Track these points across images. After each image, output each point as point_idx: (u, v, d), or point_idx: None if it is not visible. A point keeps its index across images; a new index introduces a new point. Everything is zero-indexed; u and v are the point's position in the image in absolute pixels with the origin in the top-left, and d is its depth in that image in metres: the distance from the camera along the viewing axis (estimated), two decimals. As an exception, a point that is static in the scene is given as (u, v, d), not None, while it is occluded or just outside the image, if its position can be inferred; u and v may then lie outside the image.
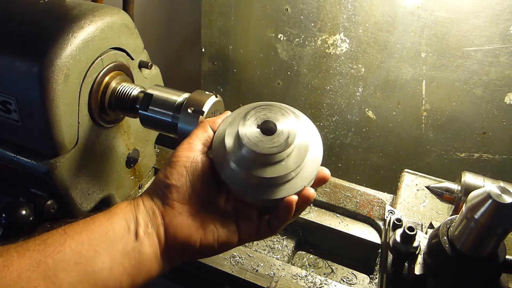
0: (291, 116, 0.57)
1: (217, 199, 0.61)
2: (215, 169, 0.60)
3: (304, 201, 0.58)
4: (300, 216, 0.97)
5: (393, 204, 0.95)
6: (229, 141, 0.58)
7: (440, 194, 0.93)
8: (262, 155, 0.54)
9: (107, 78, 0.80)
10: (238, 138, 0.57)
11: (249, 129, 0.56)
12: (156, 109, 0.78)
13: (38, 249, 0.51)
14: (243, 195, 0.58)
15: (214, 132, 0.63)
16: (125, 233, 0.56)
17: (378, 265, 0.91)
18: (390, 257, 0.67)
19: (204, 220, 0.58)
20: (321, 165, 0.59)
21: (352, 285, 0.94)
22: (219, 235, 0.58)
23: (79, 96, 0.75)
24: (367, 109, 1.29)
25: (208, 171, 0.60)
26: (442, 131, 1.23)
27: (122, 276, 0.54)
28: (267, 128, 0.57)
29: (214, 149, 0.61)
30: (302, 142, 0.57)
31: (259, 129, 0.56)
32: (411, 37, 1.13)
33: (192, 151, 0.60)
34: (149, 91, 0.79)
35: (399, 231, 0.64)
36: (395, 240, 0.64)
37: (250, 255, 0.87)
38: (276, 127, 0.56)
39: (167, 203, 0.58)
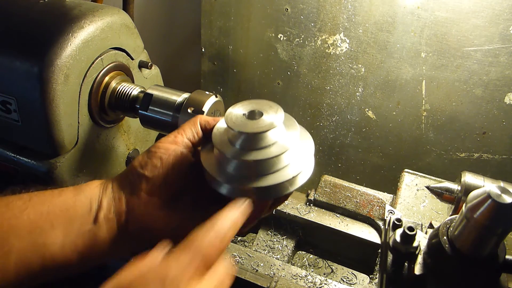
0: (278, 106, 0.56)
1: (189, 193, 0.60)
2: (194, 164, 0.59)
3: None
4: (300, 216, 0.98)
5: (393, 204, 0.95)
6: (216, 135, 0.58)
7: (440, 194, 0.93)
8: (247, 135, 0.53)
9: (107, 78, 0.80)
10: (225, 129, 0.57)
11: (235, 117, 0.56)
12: (156, 109, 0.78)
13: None
14: (224, 187, 0.56)
15: (204, 130, 0.62)
16: (86, 213, 0.55)
17: (378, 265, 0.91)
18: (390, 257, 0.67)
19: (171, 213, 0.57)
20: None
21: (352, 285, 0.94)
22: (184, 229, 0.56)
23: (79, 96, 0.75)
24: (367, 109, 1.29)
25: (185, 166, 0.58)
26: (442, 131, 1.23)
27: (73, 254, 0.54)
28: (254, 116, 0.56)
29: (202, 151, 0.60)
30: (290, 130, 0.56)
31: (245, 117, 0.55)
32: (411, 37, 1.13)
33: (174, 144, 0.59)
34: (149, 91, 0.79)
35: (399, 231, 0.64)
36: (395, 240, 0.64)
37: (250, 255, 0.87)
38: (263, 114, 0.55)
39: (135, 192, 0.57)
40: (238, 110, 0.56)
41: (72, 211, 0.55)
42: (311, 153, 0.57)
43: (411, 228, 0.63)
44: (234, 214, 0.50)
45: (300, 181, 0.54)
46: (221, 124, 0.60)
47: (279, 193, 0.53)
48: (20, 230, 0.52)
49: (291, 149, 0.55)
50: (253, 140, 0.54)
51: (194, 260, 0.45)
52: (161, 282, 0.43)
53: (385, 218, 0.73)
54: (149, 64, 0.90)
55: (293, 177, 0.53)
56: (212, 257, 0.47)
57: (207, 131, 0.62)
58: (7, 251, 0.51)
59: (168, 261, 0.45)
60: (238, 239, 1.00)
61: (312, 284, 0.83)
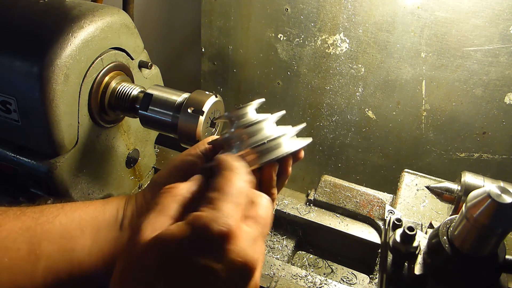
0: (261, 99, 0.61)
1: None
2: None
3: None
4: (300, 216, 0.98)
5: (393, 204, 0.95)
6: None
7: (440, 194, 0.93)
8: (230, 114, 0.59)
9: (107, 78, 0.80)
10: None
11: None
12: (156, 109, 0.78)
13: (33, 216, 0.54)
14: None
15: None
16: (113, 221, 0.57)
17: (378, 265, 0.91)
18: (390, 257, 0.67)
19: None
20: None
21: (352, 285, 0.94)
22: None
23: (79, 96, 0.75)
24: (367, 109, 1.29)
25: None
26: (442, 131, 1.23)
27: (99, 261, 0.55)
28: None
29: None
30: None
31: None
32: (411, 37, 1.13)
33: (189, 156, 0.61)
34: (149, 91, 0.79)
35: (399, 231, 0.64)
36: (395, 240, 0.64)
37: (250, 255, 0.87)
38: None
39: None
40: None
41: (101, 218, 0.57)
42: (297, 128, 0.60)
43: (411, 228, 0.63)
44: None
45: (285, 147, 0.56)
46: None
47: (269, 155, 0.55)
48: (51, 234, 0.54)
49: (271, 120, 0.59)
50: (237, 117, 0.59)
51: (239, 204, 0.45)
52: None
53: (385, 218, 0.73)
54: (149, 64, 0.90)
55: (275, 139, 0.55)
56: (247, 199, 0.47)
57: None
58: (38, 255, 0.52)
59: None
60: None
61: (312, 284, 0.84)
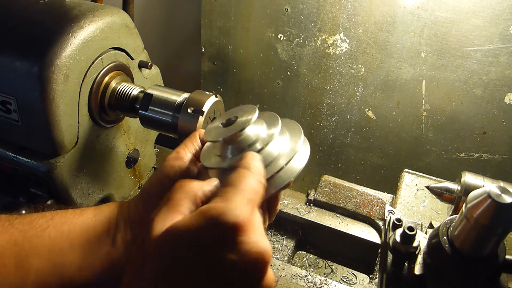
0: (256, 112, 0.54)
1: None
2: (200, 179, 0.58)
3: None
4: (300, 216, 0.98)
5: (393, 204, 0.95)
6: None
7: (440, 194, 0.93)
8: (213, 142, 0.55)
9: (107, 78, 0.80)
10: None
11: (213, 125, 0.57)
12: (156, 109, 0.78)
13: (21, 228, 0.53)
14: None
15: (203, 143, 0.61)
16: (104, 235, 0.55)
17: (378, 265, 0.91)
18: (390, 257, 0.67)
19: None
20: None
21: (352, 285, 0.94)
22: None
23: (79, 96, 0.75)
24: (367, 109, 1.29)
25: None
26: (442, 131, 1.23)
27: (90, 276, 0.53)
28: (229, 123, 0.55)
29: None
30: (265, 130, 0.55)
31: (221, 125, 0.55)
32: (411, 37, 1.13)
33: (177, 160, 0.58)
34: (149, 91, 0.79)
35: (399, 231, 0.64)
36: (395, 240, 0.64)
37: (250, 255, 0.87)
38: (237, 119, 0.54)
39: (149, 214, 0.55)
40: (217, 122, 0.58)
41: (92, 232, 0.54)
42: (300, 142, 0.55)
43: (411, 228, 0.63)
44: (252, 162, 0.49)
45: (296, 165, 0.53)
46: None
47: (283, 181, 0.52)
48: (40, 249, 0.52)
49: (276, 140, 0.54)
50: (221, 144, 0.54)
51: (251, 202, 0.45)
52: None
53: (385, 218, 0.73)
54: (149, 64, 0.90)
55: (289, 162, 0.52)
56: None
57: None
58: (26, 269, 0.50)
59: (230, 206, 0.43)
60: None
61: (312, 284, 0.84)
